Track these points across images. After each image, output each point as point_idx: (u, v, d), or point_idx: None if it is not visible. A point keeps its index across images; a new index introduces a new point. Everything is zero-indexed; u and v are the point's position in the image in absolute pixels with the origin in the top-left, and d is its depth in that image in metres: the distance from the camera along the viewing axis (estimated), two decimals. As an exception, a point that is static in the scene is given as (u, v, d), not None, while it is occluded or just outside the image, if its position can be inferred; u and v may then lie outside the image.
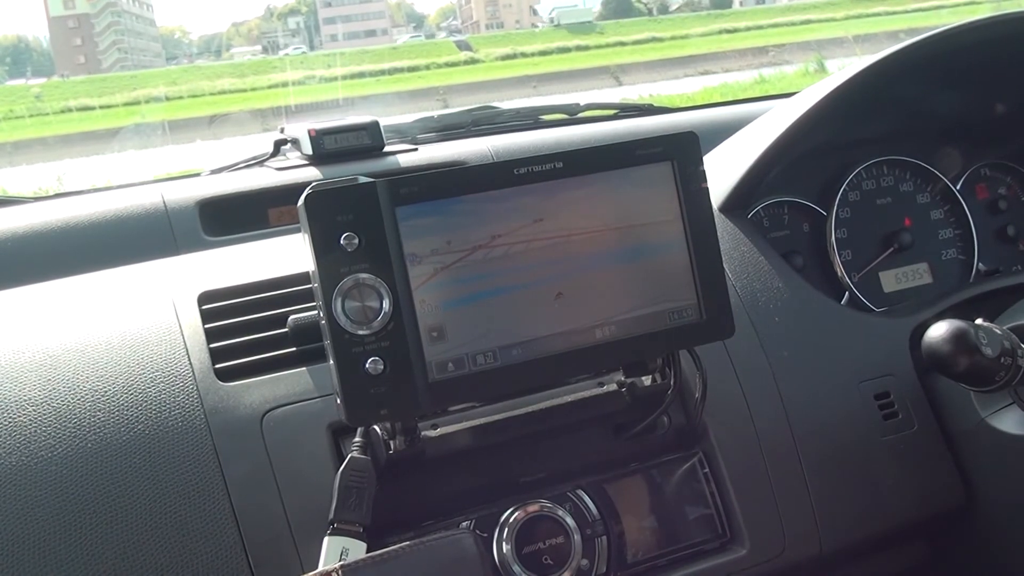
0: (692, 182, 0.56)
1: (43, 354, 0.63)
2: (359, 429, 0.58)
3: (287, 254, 0.74)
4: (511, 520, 0.60)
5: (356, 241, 0.50)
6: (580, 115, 1.32)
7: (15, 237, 0.94)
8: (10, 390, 0.60)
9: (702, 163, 0.56)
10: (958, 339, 0.65)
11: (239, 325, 0.67)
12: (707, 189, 0.56)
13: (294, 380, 0.63)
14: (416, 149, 1.13)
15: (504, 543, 0.60)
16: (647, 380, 0.63)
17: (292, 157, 1.12)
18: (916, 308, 0.79)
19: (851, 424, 0.71)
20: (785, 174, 0.91)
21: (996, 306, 0.76)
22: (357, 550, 0.54)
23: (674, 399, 0.63)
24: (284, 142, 1.14)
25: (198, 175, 1.14)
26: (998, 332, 0.66)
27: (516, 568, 0.59)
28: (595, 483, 0.64)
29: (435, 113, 1.31)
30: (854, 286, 0.91)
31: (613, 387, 0.64)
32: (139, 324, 0.65)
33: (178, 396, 0.61)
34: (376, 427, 0.58)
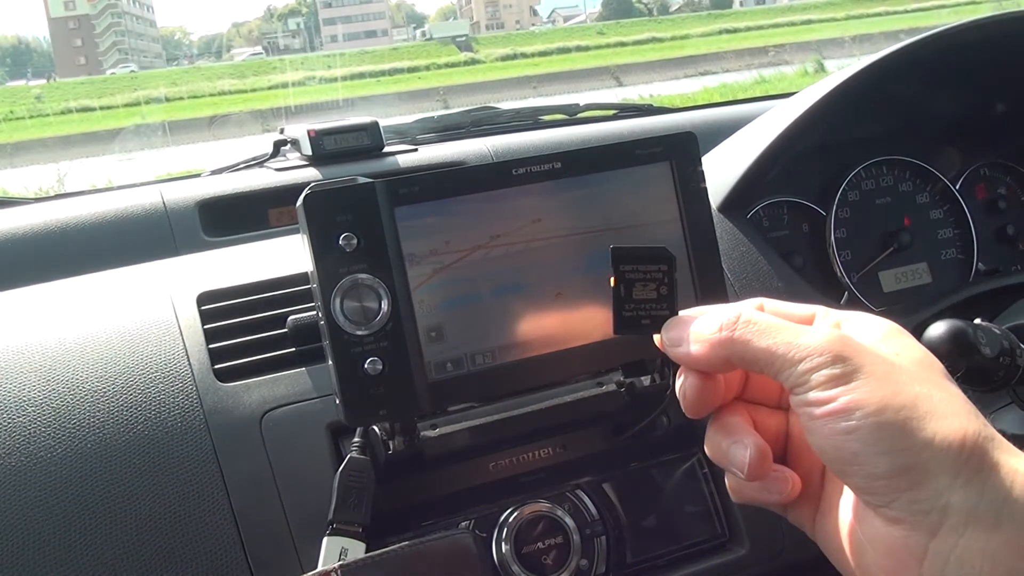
0: (691, 182, 0.56)
1: (43, 355, 0.63)
2: (358, 429, 0.58)
3: (286, 254, 0.74)
4: (510, 520, 0.60)
5: (355, 241, 0.50)
6: (579, 115, 1.32)
7: (15, 238, 0.94)
8: (10, 391, 0.60)
9: (700, 163, 0.56)
10: (957, 339, 0.65)
11: (238, 325, 0.67)
12: (706, 189, 0.56)
13: (293, 380, 0.63)
14: (416, 149, 1.13)
15: (503, 543, 0.60)
16: (646, 380, 0.63)
17: (292, 158, 1.12)
18: (915, 308, 0.79)
19: (850, 424, 0.71)
20: (784, 174, 0.91)
21: (995, 306, 0.76)
22: (356, 550, 0.54)
23: (673, 399, 0.63)
24: (284, 143, 1.14)
25: (198, 175, 1.14)
26: (997, 332, 0.66)
27: (515, 568, 0.59)
28: (594, 483, 0.64)
29: (435, 114, 1.31)
30: (853, 286, 0.91)
31: (612, 387, 0.64)
32: (138, 324, 0.65)
33: (177, 396, 0.61)
34: (375, 427, 0.58)
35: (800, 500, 0.41)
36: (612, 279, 0.41)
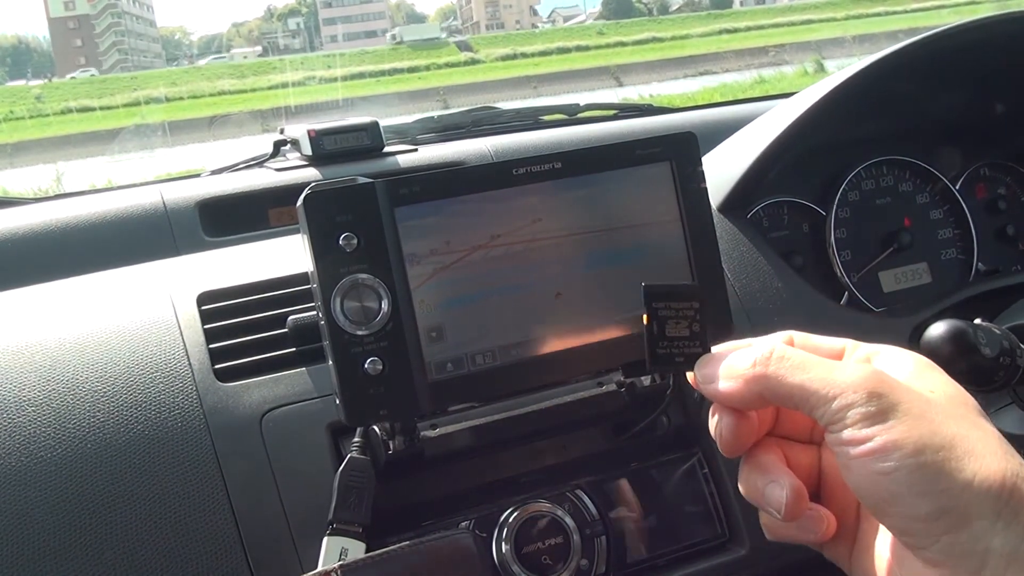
0: (691, 182, 0.56)
1: (42, 355, 0.63)
2: (358, 429, 0.58)
3: (286, 254, 0.74)
4: (510, 520, 0.60)
5: (355, 241, 0.50)
6: (580, 115, 1.32)
7: (15, 238, 0.94)
8: (10, 391, 0.60)
9: (701, 163, 0.56)
10: (957, 339, 0.65)
11: (238, 325, 0.67)
12: (706, 189, 0.56)
13: (293, 380, 0.63)
14: (416, 149, 1.13)
15: (503, 543, 0.60)
16: (646, 380, 0.63)
17: (292, 158, 1.12)
18: (915, 308, 0.79)
19: (850, 424, 0.71)
20: (785, 174, 0.91)
21: (995, 306, 0.76)
22: (356, 550, 0.54)
23: (673, 399, 0.63)
24: (284, 143, 1.14)
25: (198, 175, 1.14)
26: (997, 332, 0.66)
27: (515, 568, 0.59)
28: (594, 483, 0.64)
29: (435, 113, 1.31)
30: (853, 286, 0.91)
31: (612, 387, 0.64)
32: (138, 324, 0.65)
33: (177, 396, 0.61)
34: (375, 427, 0.58)
35: (836, 537, 0.41)
36: (645, 317, 0.42)
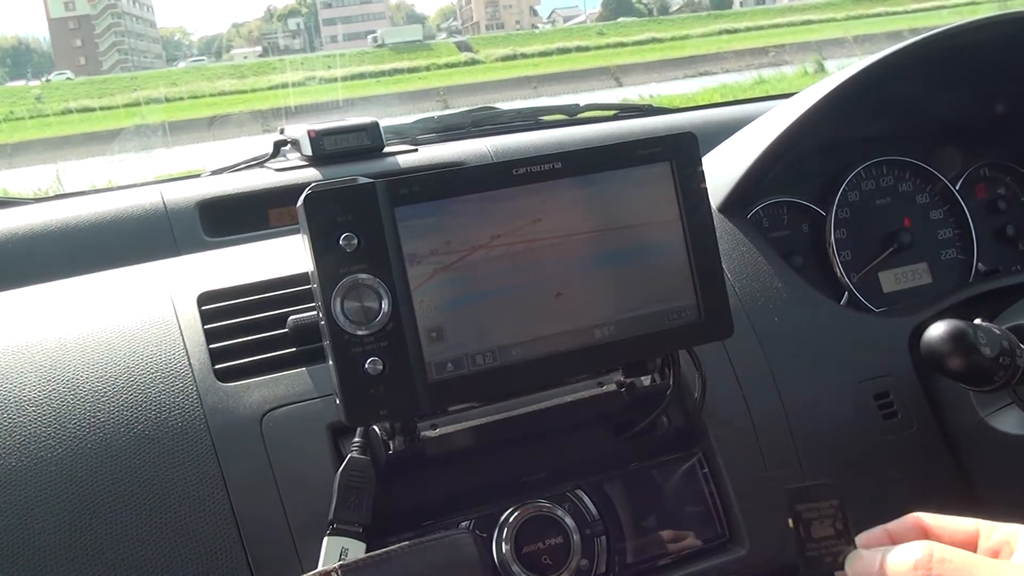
0: (691, 182, 0.56)
1: (43, 355, 0.63)
2: (358, 429, 0.58)
3: (287, 255, 0.74)
4: (510, 520, 0.60)
5: (355, 241, 0.50)
6: (580, 116, 1.32)
7: (15, 238, 0.94)
8: (10, 391, 0.60)
9: (701, 163, 0.56)
10: (957, 339, 0.65)
11: (239, 325, 0.67)
12: (706, 189, 0.56)
13: (294, 380, 0.64)
14: (416, 150, 1.13)
15: (503, 543, 0.60)
16: (646, 380, 0.63)
17: (292, 158, 1.12)
18: (915, 308, 0.79)
19: (850, 424, 0.71)
20: (785, 174, 0.91)
21: (995, 306, 0.76)
22: (357, 550, 0.54)
23: (673, 399, 0.63)
24: (284, 143, 1.14)
25: (198, 175, 1.14)
26: (997, 332, 0.66)
27: (515, 568, 0.59)
28: (594, 483, 0.64)
29: (435, 114, 1.31)
30: (853, 286, 0.91)
31: (612, 387, 0.64)
32: (139, 324, 0.66)
33: (178, 396, 0.61)
34: (375, 427, 0.58)
35: None
36: (791, 521, 0.44)
